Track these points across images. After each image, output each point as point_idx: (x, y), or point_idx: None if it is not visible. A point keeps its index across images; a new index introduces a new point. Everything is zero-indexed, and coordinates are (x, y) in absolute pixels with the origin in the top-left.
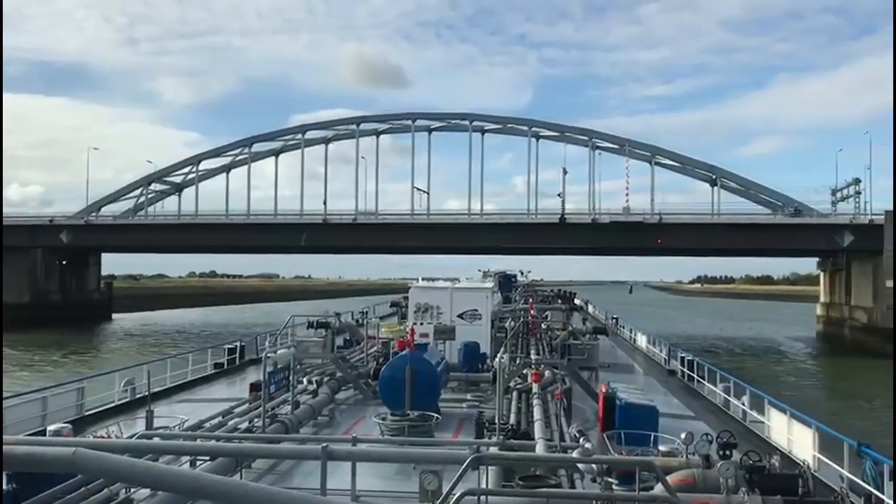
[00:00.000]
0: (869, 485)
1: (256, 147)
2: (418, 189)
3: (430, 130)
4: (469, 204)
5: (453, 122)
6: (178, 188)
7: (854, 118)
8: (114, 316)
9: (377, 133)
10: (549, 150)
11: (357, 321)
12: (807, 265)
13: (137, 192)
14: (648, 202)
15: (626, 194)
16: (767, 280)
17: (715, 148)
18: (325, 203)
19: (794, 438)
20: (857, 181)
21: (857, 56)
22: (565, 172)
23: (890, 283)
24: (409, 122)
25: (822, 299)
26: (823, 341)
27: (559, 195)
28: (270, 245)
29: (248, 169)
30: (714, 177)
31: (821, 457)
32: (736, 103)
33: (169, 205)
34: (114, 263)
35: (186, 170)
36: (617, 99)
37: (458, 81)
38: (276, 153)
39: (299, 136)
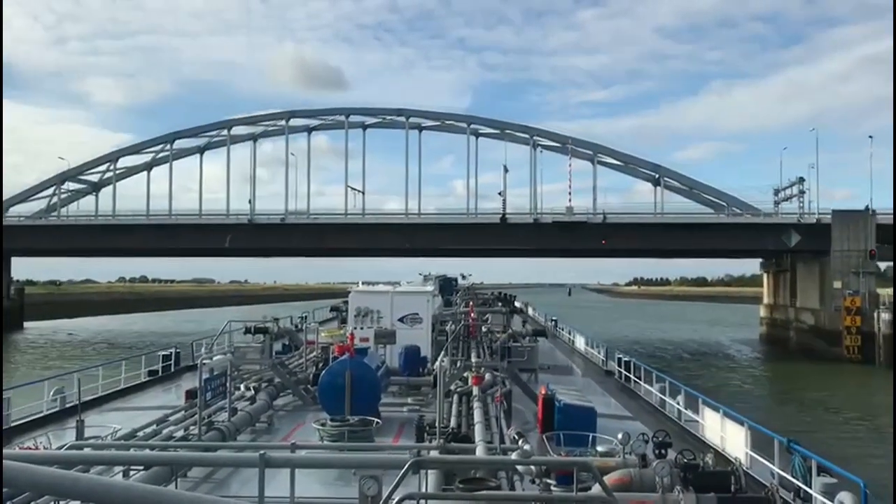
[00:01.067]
0: (798, 480)
1: (180, 144)
2: (352, 188)
3: (364, 127)
4: (406, 204)
5: (389, 118)
6: (96, 187)
7: (785, 124)
8: (26, 324)
9: (308, 130)
10: (490, 153)
11: (296, 326)
12: (741, 267)
13: (50, 191)
14: (591, 204)
15: (569, 193)
16: (702, 282)
17: (652, 153)
18: (250, 202)
19: (727, 436)
20: (802, 180)
21: (787, 64)
22: (506, 171)
23: (838, 285)
24: (342, 117)
25: (765, 301)
26: (769, 344)
27: (500, 194)
28: (193, 247)
29: (170, 167)
30: (657, 176)
31: (752, 454)
32: (671, 109)
33: (86, 205)
34: (35, 268)
35: (104, 167)
36: (556, 104)
37: (399, 85)
38: (200, 150)
39: (225, 132)
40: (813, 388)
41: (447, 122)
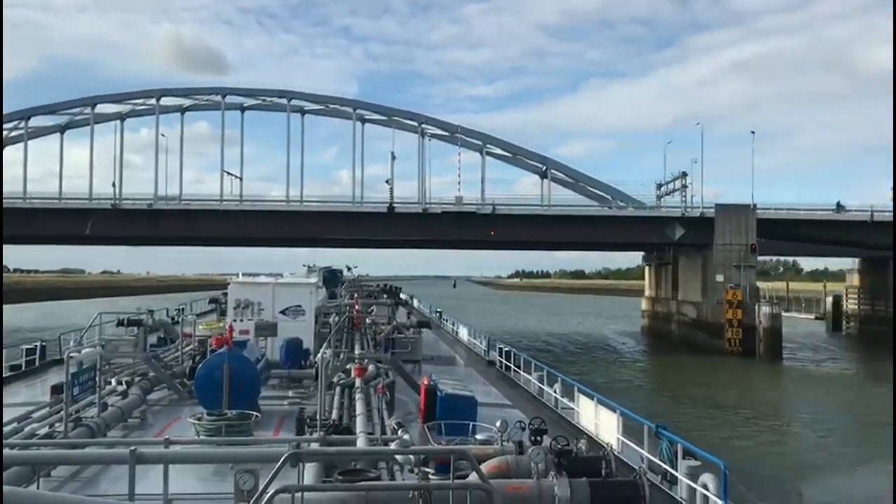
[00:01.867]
0: (665, 463)
1: (38, 122)
2: (229, 174)
3: (242, 109)
4: (287, 191)
5: (269, 99)
6: None
7: (662, 123)
8: None
9: (182, 110)
10: (377, 144)
11: (172, 319)
12: (618, 260)
13: None
14: (479, 195)
15: (458, 183)
16: (580, 274)
17: (535, 149)
18: (114, 185)
19: (600, 423)
20: (684, 175)
21: (661, 65)
22: (393, 158)
23: (720, 278)
24: (219, 97)
25: (647, 293)
26: (651, 336)
27: (387, 182)
28: (50, 234)
29: (24, 145)
30: (545, 168)
31: (624, 439)
32: (553, 105)
33: None
34: None
35: None
36: (441, 97)
37: (282, 71)
38: (61, 129)
39: (88, 110)
40: (695, 381)
41: (332, 105)
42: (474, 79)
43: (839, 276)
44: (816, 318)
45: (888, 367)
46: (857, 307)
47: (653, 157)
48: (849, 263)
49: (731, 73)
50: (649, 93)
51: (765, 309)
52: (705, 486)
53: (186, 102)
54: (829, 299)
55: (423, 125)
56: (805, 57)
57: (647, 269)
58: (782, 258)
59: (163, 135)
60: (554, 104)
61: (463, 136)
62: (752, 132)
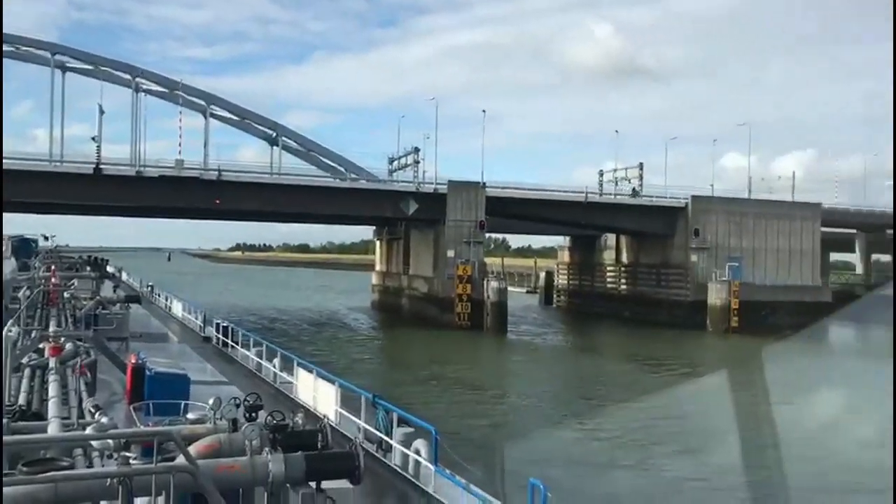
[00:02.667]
0: (381, 431)
1: None
2: None
3: None
4: None
5: None
6: None
7: (387, 99)
8: None
9: None
10: (82, 101)
11: None
12: (343, 234)
13: None
14: (202, 160)
15: (179, 145)
16: (305, 248)
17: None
18: None
19: (319, 395)
20: (417, 150)
21: (384, 43)
22: (101, 112)
23: (451, 253)
24: None
25: (378, 268)
26: (383, 311)
27: (94, 139)
28: None
29: None
30: (275, 135)
31: (342, 410)
32: (275, 75)
33: None
34: None
35: None
36: (154, 55)
37: None
38: None
39: None
40: (426, 355)
41: (25, 48)
42: (191, 39)
43: (545, 252)
44: (528, 292)
45: (595, 340)
46: (566, 282)
47: (383, 133)
48: (560, 241)
49: (451, 56)
50: (375, 69)
51: (493, 284)
52: (418, 452)
53: None
54: (543, 274)
55: (137, 79)
56: (516, 48)
57: (378, 243)
58: (493, 235)
59: None
60: (278, 73)
61: (184, 95)
62: (484, 111)
